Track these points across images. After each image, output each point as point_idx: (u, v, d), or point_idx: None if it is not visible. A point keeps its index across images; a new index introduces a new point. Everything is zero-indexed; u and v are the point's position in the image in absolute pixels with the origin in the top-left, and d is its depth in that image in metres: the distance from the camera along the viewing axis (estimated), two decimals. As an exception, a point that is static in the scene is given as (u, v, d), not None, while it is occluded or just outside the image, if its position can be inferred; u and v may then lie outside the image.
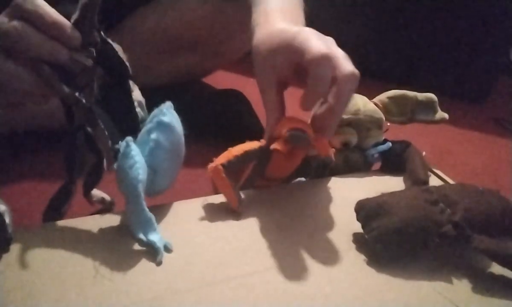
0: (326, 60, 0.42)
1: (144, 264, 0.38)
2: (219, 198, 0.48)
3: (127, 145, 0.37)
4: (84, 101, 0.38)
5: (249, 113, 0.84)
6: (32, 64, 0.38)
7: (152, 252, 0.39)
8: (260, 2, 0.56)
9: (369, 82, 0.82)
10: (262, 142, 0.49)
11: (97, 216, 0.44)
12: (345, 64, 0.43)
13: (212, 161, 0.46)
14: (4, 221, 0.37)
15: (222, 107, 0.85)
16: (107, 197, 0.51)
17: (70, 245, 0.39)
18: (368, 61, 1.26)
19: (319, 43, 0.43)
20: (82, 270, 0.37)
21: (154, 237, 0.39)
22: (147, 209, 0.39)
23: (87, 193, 0.47)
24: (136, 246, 0.40)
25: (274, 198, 0.50)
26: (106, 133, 0.38)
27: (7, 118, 0.67)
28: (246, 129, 0.78)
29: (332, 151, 0.50)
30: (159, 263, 0.38)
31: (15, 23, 0.37)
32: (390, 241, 0.40)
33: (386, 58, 1.38)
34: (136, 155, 0.37)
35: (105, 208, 0.51)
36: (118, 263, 0.38)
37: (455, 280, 0.40)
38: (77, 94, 0.38)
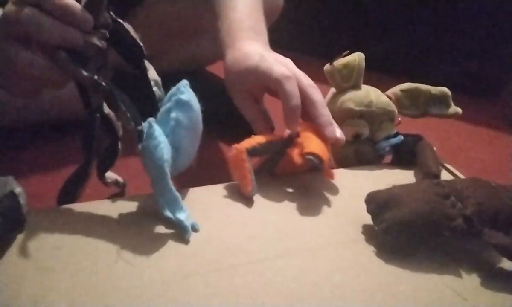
0: (288, 79, 0.50)
1: (156, 247, 0.39)
2: (231, 185, 0.48)
3: (150, 126, 0.37)
4: (104, 84, 0.39)
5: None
6: (46, 50, 0.39)
7: (168, 235, 0.40)
8: (223, 14, 0.62)
9: (382, 76, 0.82)
10: (283, 135, 0.50)
11: (111, 200, 0.45)
12: (305, 79, 0.52)
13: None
14: (19, 202, 0.38)
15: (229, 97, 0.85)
16: (120, 179, 0.52)
17: (86, 229, 0.40)
18: (382, 55, 1.26)
19: (280, 67, 0.51)
20: (100, 253, 0.37)
21: (181, 215, 0.40)
22: (174, 188, 0.40)
23: (101, 175, 0.48)
24: (147, 230, 0.41)
25: (285, 187, 0.50)
26: (128, 115, 0.39)
27: (23, 110, 0.68)
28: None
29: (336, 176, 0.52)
30: (187, 241, 0.39)
31: (26, 10, 0.37)
32: (400, 233, 0.40)
33: (399, 52, 1.37)
34: (159, 136, 0.37)
35: (119, 189, 0.52)
36: (132, 247, 0.38)
37: (464, 274, 0.40)
38: (95, 77, 0.38)
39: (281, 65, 0.52)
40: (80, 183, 0.46)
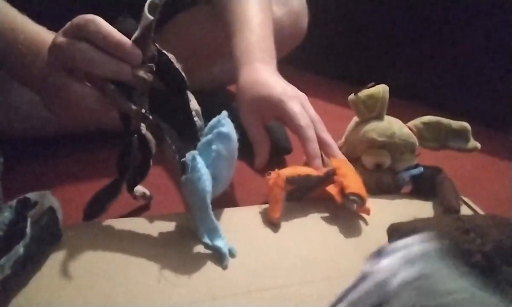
0: (311, 128, 0.56)
1: (181, 269, 0.40)
2: (256, 209, 0.50)
3: (194, 159, 0.39)
4: (151, 117, 0.40)
5: (280, 128, 0.86)
6: (96, 82, 0.41)
7: (198, 256, 0.42)
8: (240, 33, 0.65)
9: (401, 104, 0.83)
10: (320, 171, 0.52)
11: (146, 218, 0.47)
12: (321, 127, 0.59)
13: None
14: (57, 217, 0.40)
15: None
16: (147, 192, 0.54)
17: (121, 245, 0.42)
18: (401, 83, 1.27)
19: (301, 112, 0.57)
20: (133, 271, 0.39)
21: (219, 242, 0.42)
22: (214, 218, 0.42)
23: (131, 189, 0.50)
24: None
25: (309, 214, 0.52)
26: (174, 147, 0.40)
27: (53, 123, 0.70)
28: (276, 144, 0.79)
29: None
30: (225, 267, 0.41)
31: (79, 45, 0.39)
32: (421, 266, 0.41)
33: (417, 82, 1.39)
34: (202, 168, 0.39)
35: (145, 202, 0.55)
36: (170, 266, 0.40)
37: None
38: (143, 111, 0.40)
39: (301, 107, 0.58)
40: (111, 198, 0.48)
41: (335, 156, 0.56)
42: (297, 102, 0.58)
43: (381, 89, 0.59)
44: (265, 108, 0.59)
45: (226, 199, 0.57)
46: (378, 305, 0.21)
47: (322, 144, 0.57)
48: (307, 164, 0.55)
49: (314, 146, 0.55)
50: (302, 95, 0.61)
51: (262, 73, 0.60)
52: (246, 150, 0.54)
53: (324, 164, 0.55)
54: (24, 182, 0.61)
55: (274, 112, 0.58)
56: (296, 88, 0.61)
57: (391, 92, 0.60)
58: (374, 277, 0.21)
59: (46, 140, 0.73)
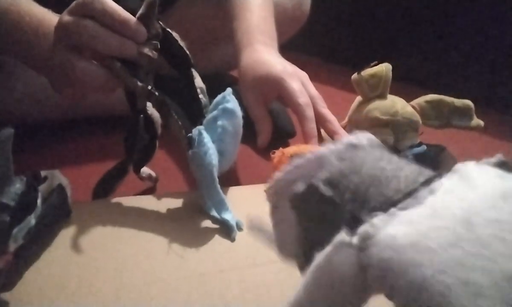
0: (309, 107, 0.57)
1: (189, 242, 0.41)
2: (261, 187, 0.51)
3: (200, 134, 0.40)
4: (157, 94, 0.41)
5: (283, 112, 0.86)
6: (103, 60, 0.41)
7: (207, 230, 0.43)
8: (240, 15, 0.65)
9: (407, 87, 0.84)
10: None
11: (154, 195, 0.48)
12: (321, 103, 0.60)
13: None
14: (66, 194, 0.41)
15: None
16: (153, 174, 0.55)
17: (129, 221, 0.43)
18: (406, 66, 1.27)
19: (301, 90, 0.57)
20: (142, 245, 0.40)
21: (227, 215, 0.43)
22: (221, 191, 0.42)
23: (138, 170, 0.50)
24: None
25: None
26: (180, 123, 0.41)
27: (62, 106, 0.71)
28: (279, 128, 0.79)
29: None
30: (233, 239, 0.42)
31: (85, 22, 0.40)
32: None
33: (424, 65, 1.39)
34: (208, 142, 0.40)
35: (151, 184, 0.55)
36: (180, 240, 0.41)
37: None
38: (149, 87, 0.41)
39: (301, 85, 0.58)
40: (119, 178, 0.49)
41: (336, 132, 0.57)
42: (297, 80, 0.59)
43: (384, 68, 0.59)
44: (265, 86, 0.59)
45: (231, 180, 0.58)
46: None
47: (322, 120, 0.58)
48: (322, 141, 0.55)
49: (312, 126, 0.55)
50: (303, 73, 0.62)
51: (263, 54, 0.61)
52: (249, 133, 0.55)
53: (322, 141, 0.56)
54: (31, 165, 0.62)
55: (275, 90, 0.59)
56: (296, 67, 0.62)
57: (393, 75, 0.60)
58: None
59: (53, 124, 0.73)
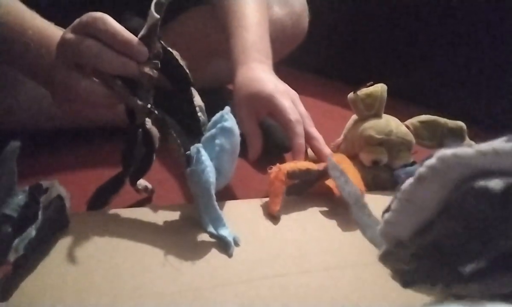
0: (300, 123, 0.58)
1: (185, 256, 0.41)
2: (257, 202, 0.51)
3: (198, 152, 0.40)
4: (156, 112, 0.42)
5: (279, 128, 0.87)
6: (104, 78, 0.42)
7: (204, 244, 0.43)
8: (237, 33, 0.67)
9: (398, 104, 0.85)
10: (320, 166, 0.53)
11: (149, 207, 0.48)
12: (309, 122, 0.61)
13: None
14: (64, 205, 0.41)
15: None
16: (149, 186, 0.55)
17: (125, 233, 0.43)
18: (402, 83, 1.29)
19: (291, 107, 0.59)
20: (137, 257, 0.40)
21: (224, 231, 0.43)
22: (218, 208, 0.43)
23: (134, 182, 0.51)
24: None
25: (307, 207, 0.53)
26: (179, 141, 0.42)
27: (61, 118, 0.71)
28: (276, 143, 0.79)
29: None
30: (230, 255, 0.42)
31: (88, 42, 0.40)
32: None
33: (419, 82, 1.41)
34: (206, 160, 0.40)
35: (147, 195, 0.56)
36: (176, 253, 0.41)
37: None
38: (149, 106, 0.42)
39: (291, 104, 0.60)
40: (115, 190, 0.49)
41: (321, 150, 0.58)
42: (288, 98, 0.60)
43: (380, 88, 0.60)
44: (257, 103, 0.61)
45: (227, 194, 0.58)
46: None
47: (309, 138, 0.59)
48: (307, 159, 0.57)
49: (300, 141, 0.57)
50: (293, 92, 0.63)
51: (257, 72, 0.63)
52: (245, 148, 0.55)
53: (307, 158, 0.57)
54: (29, 174, 0.62)
55: (266, 106, 0.60)
56: (287, 86, 0.64)
57: (389, 92, 0.61)
58: None
59: (51, 134, 0.74)
